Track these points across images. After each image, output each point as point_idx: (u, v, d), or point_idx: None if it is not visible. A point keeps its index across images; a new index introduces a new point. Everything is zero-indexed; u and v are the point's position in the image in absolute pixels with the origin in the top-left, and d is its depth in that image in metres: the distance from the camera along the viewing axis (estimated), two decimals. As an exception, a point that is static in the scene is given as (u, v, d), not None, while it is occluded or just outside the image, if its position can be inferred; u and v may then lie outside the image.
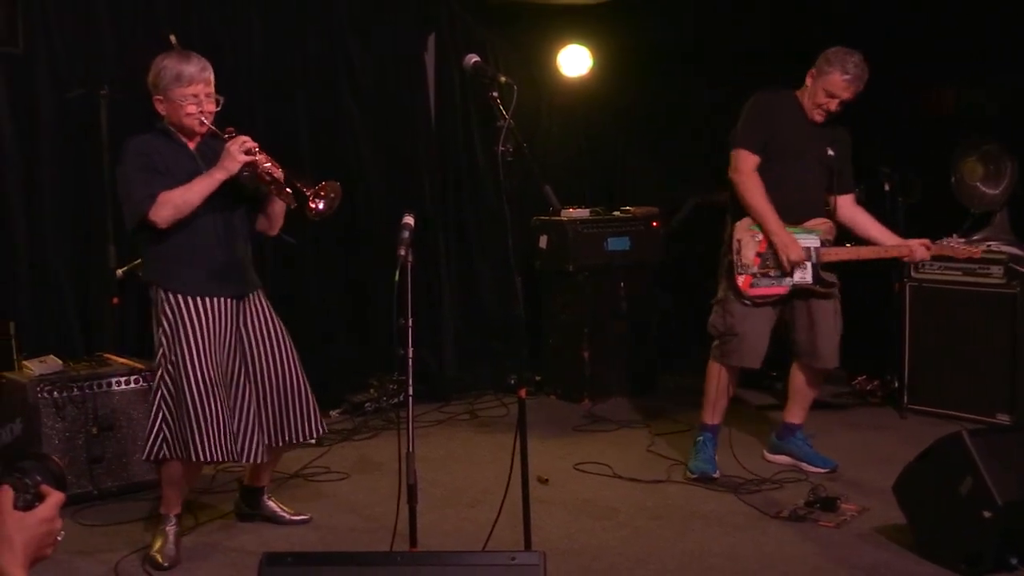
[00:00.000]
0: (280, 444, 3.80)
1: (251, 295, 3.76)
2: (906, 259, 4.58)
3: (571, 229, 5.93)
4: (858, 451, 4.86)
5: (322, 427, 3.89)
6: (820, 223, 4.43)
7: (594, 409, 5.82)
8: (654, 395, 6.07)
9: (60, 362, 4.34)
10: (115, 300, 4.74)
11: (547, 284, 6.14)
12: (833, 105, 4.34)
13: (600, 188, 6.89)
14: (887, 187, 5.44)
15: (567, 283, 6.01)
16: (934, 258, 5.34)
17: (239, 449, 3.67)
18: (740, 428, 5.24)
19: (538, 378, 6.17)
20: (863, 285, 5.92)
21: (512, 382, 5.91)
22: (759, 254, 4.33)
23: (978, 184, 5.48)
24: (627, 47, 6.58)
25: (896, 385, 5.58)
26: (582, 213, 6.07)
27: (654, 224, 6.24)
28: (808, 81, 4.38)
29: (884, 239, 4.52)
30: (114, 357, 4.58)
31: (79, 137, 4.85)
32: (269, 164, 3.58)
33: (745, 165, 4.33)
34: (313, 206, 3.58)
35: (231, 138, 3.56)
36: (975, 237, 5.36)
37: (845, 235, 4.57)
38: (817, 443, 4.74)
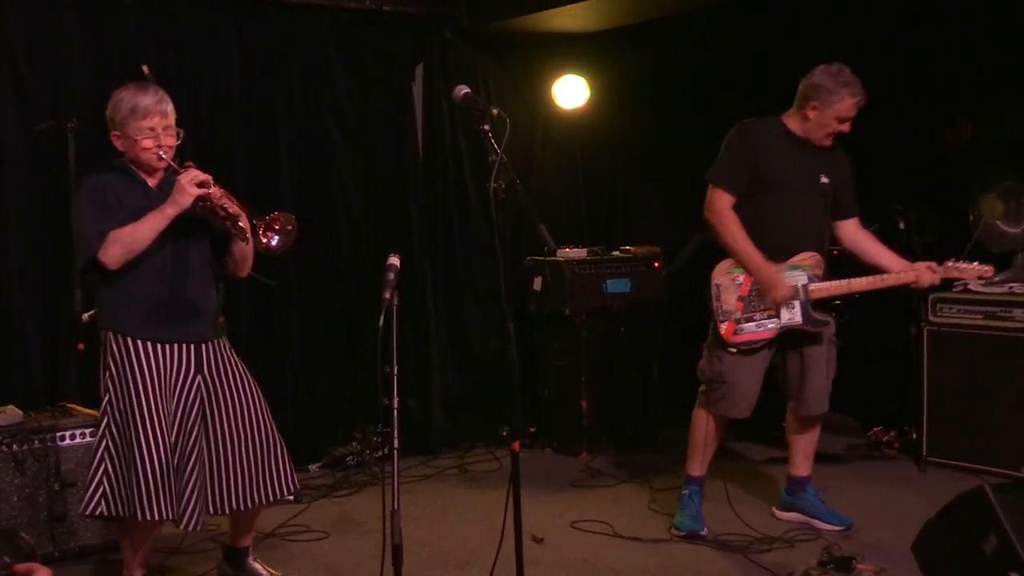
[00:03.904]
0: (246, 506, 3.75)
1: (212, 342, 3.73)
2: (913, 286, 4.47)
3: (568, 270, 5.95)
4: (875, 507, 4.85)
5: (295, 484, 3.86)
6: (806, 257, 4.42)
7: (592, 463, 5.81)
8: (656, 448, 6.05)
9: (20, 413, 4.33)
10: (81, 346, 4.74)
11: (542, 329, 6.14)
12: (847, 127, 4.37)
13: (598, 226, 6.92)
14: (902, 225, 5.48)
15: (563, 328, 6.01)
16: (953, 300, 5.40)
17: (180, 510, 3.59)
18: (747, 483, 5.23)
19: (532, 429, 6.16)
20: (879, 329, 5.95)
21: (505, 434, 5.91)
22: (741, 298, 4.33)
23: (998, 222, 5.52)
24: (626, 77, 6.65)
25: (914, 436, 5.58)
26: (579, 253, 6.09)
27: (656, 265, 6.27)
28: (810, 114, 4.35)
29: (892, 265, 4.48)
30: (79, 407, 4.57)
31: (46, 172, 4.87)
32: (224, 199, 3.57)
33: (719, 203, 4.35)
34: (264, 241, 3.57)
35: (184, 171, 3.56)
36: (996, 279, 5.39)
37: (852, 264, 4.55)
38: (831, 498, 4.74)
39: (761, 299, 4.34)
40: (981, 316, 5.33)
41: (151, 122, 3.58)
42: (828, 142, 4.42)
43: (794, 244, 4.40)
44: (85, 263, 3.56)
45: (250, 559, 4.03)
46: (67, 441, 4.30)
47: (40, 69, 4.93)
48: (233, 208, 3.58)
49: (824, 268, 4.44)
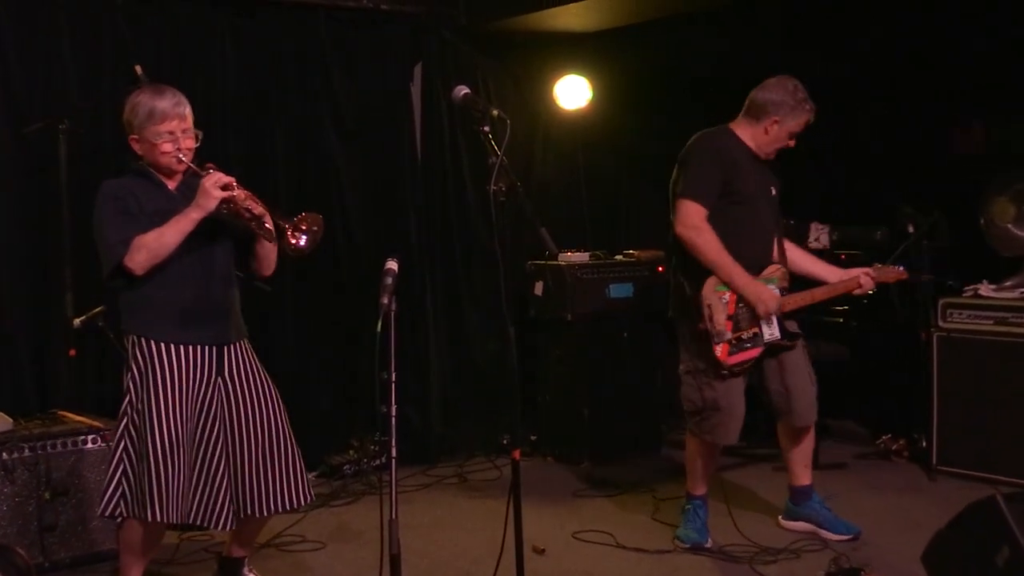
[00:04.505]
0: (263, 513, 3.78)
1: (235, 344, 3.77)
2: (856, 292, 4.64)
3: (569, 274, 5.95)
4: (883, 516, 4.84)
5: (309, 494, 3.86)
6: (775, 270, 4.45)
7: (594, 472, 5.80)
8: (660, 456, 6.06)
9: (10, 420, 4.33)
10: (72, 352, 4.74)
11: (543, 334, 6.14)
12: (793, 143, 4.45)
13: (601, 230, 6.92)
14: (911, 229, 5.47)
15: (565, 333, 6.01)
16: (964, 306, 5.41)
17: (204, 514, 3.65)
18: (750, 493, 5.23)
19: (533, 437, 6.15)
20: (888, 335, 5.96)
21: (505, 442, 5.91)
22: (729, 317, 4.30)
23: (1009, 226, 5.52)
24: (629, 77, 6.65)
25: (924, 444, 5.57)
26: (581, 257, 6.09)
27: (660, 269, 6.25)
28: (769, 128, 4.39)
29: (827, 274, 4.61)
30: (70, 414, 4.57)
31: (36, 175, 4.87)
32: (248, 200, 3.61)
33: (695, 218, 4.28)
34: (294, 242, 3.61)
35: (207, 174, 3.59)
36: (1007, 283, 5.40)
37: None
38: (839, 507, 4.73)
39: (747, 317, 4.33)
40: (992, 321, 5.33)
41: (169, 125, 3.61)
42: (772, 154, 4.47)
43: (762, 257, 4.44)
44: (111, 270, 3.58)
45: (246, 570, 4.03)
46: (58, 449, 4.29)
47: (30, 69, 4.92)
48: (258, 209, 3.62)
49: (789, 280, 4.48)
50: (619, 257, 6.30)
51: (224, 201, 3.56)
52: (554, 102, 6.67)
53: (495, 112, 3.36)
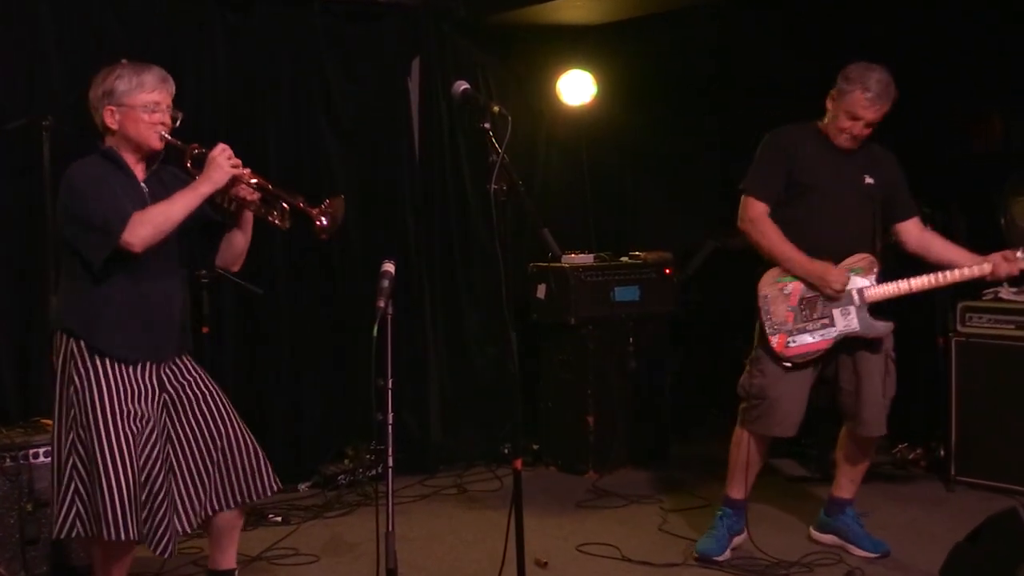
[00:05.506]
0: (228, 506, 3.70)
1: (179, 356, 3.69)
2: (989, 279, 4.39)
3: (573, 277, 5.95)
4: (900, 529, 4.84)
5: (276, 483, 3.79)
6: (859, 259, 4.39)
7: (599, 482, 5.79)
8: (667, 466, 6.05)
9: (-9, 429, 4.33)
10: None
11: (546, 339, 6.14)
12: (857, 128, 4.31)
13: (606, 230, 6.93)
14: (929, 228, 5.46)
15: (568, 338, 6.01)
16: (983, 309, 5.39)
17: (149, 534, 3.54)
18: (770, 502, 5.22)
19: (535, 446, 6.16)
20: (904, 340, 5.94)
21: (506, 451, 5.90)
22: (791, 308, 4.30)
23: (1030, 226, 5.51)
24: (635, 72, 6.66)
25: (942, 454, 5.57)
26: (585, 259, 6.09)
27: (667, 271, 6.26)
28: (828, 105, 4.37)
29: (961, 260, 4.38)
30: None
31: (18, 175, 4.87)
32: (256, 179, 3.57)
33: (753, 212, 4.36)
34: (319, 224, 3.54)
35: (200, 152, 3.53)
36: (1028, 286, 5.39)
37: (920, 265, 4.49)
38: (860, 521, 4.72)
39: (813, 307, 4.31)
40: (1013, 326, 5.32)
41: (157, 96, 3.53)
42: (845, 141, 4.36)
43: (842, 248, 4.38)
44: (110, 251, 3.40)
45: (236, 583, 4.01)
46: (40, 459, 4.26)
47: (12, 64, 4.92)
48: (266, 192, 3.57)
49: (879, 270, 4.41)
50: (625, 259, 6.28)
51: (233, 177, 3.50)
52: (557, 98, 6.67)
53: (496, 108, 3.35)
